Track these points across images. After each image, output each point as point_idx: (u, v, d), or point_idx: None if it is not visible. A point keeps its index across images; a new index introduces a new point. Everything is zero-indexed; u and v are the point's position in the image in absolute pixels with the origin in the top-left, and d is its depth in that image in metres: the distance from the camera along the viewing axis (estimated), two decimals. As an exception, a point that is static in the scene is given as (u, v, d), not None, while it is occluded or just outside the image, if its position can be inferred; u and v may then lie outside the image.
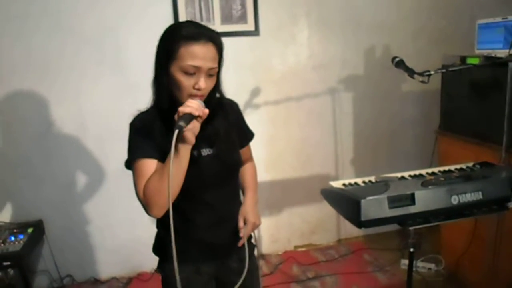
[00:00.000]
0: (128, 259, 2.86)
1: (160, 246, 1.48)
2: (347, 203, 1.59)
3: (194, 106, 1.13)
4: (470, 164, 1.98)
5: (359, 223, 1.54)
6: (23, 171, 2.61)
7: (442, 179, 1.68)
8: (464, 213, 1.65)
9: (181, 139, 1.14)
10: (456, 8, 3.01)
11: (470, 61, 2.20)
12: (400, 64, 1.89)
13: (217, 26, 2.68)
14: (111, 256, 2.83)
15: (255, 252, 1.60)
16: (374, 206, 1.52)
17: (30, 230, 2.42)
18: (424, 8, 2.99)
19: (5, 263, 2.21)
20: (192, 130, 1.14)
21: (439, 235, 2.79)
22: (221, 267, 1.46)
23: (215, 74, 1.27)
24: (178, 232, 1.34)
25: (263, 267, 2.92)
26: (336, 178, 3.02)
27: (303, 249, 3.14)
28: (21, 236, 2.34)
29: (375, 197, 1.53)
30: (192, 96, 1.22)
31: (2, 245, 2.25)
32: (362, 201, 1.52)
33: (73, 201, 2.72)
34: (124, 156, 1.31)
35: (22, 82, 2.53)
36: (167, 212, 1.19)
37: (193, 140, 1.16)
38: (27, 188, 2.63)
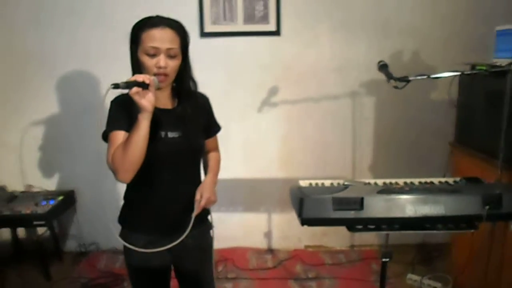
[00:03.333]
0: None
1: (122, 215, 1.65)
2: (296, 201, 1.64)
3: (140, 76, 1.32)
4: (458, 179, 1.90)
5: (301, 220, 1.60)
6: (61, 145, 3.01)
7: (407, 189, 1.66)
8: (425, 226, 1.63)
9: (139, 110, 1.32)
10: (499, 13, 2.80)
11: (479, 69, 2.07)
12: (382, 68, 1.89)
13: (239, 26, 2.83)
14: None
15: (211, 233, 1.74)
16: (318, 206, 1.57)
17: (60, 197, 2.79)
18: (460, 12, 2.84)
19: (35, 222, 2.61)
20: (143, 96, 1.30)
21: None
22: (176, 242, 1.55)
23: (176, 55, 1.44)
24: (139, 203, 1.58)
25: (268, 261, 3.01)
26: (352, 183, 3.00)
27: (313, 249, 3.17)
28: (52, 202, 2.72)
29: (320, 196, 1.58)
30: (156, 75, 1.40)
31: (34, 207, 2.64)
32: (305, 199, 1.58)
33: (102, 176, 3.05)
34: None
35: (64, 69, 2.91)
36: (133, 182, 1.41)
37: (148, 107, 1.31)
38: (64, 161, 3.03)
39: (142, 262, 1.59)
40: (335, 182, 1.91)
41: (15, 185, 2.99)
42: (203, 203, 1.51)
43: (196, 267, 1.69)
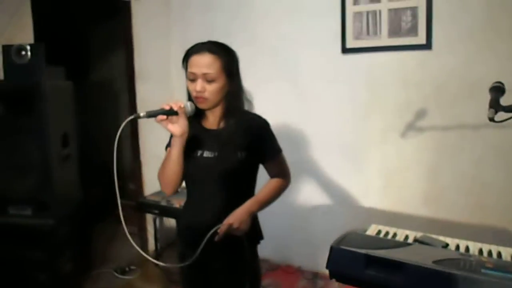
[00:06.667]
0: (280, 249, 3.25)
1: None
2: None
3: (168, 104, 1.45)
4: None
5: (329, 272, 1.45)
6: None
7: (489, 265, 1.26)
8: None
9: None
10: None
11: None
12: (492, 90, 1.48)
13: (384, 40, 2.63)
14: (267, 240, 3.31)
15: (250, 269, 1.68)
16: (348, 260, 1.43)
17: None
18: None
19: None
20: (175, 122, 1.45)
21: None
22: (207, 265, 1.64)
23: (214, 79, 1.53)
24: (183, 215, 1.77)
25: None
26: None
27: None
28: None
29: (351, 249, 1.39)
30: (196, 98, 1.55)
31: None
32: (334, 247, 1.43)
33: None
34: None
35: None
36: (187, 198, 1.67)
37: (176, 132, 1.46)
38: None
39: (181, 269, 1.74)
40: (411, 235, 1.62)
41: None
42: (222, 229, 1.52)
43: None
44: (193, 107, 1.54)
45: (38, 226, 2.30)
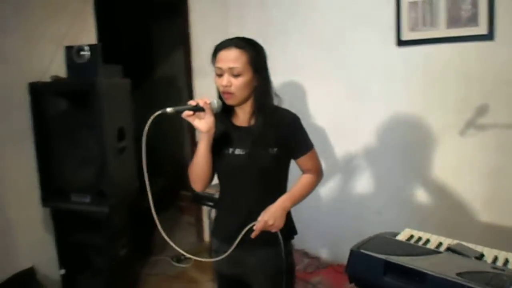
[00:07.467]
0: (332, 247, 3.20)
1: None
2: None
3: (194, 100, 1.48)
4: None
5: (348, 277, 1.41)
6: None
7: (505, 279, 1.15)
8: None
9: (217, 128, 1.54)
10: None
11: None
12: None
13: (441, 31, 2.45)
14: (320, 238, 3.26)
15: (286, 258, 1.65)
16: (367, 265, 1.38)
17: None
18: None
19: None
20: (202, 118, 1.48)
21: None
22: (242, 260, 1.67)
23: (240, 73, 1.54)
24: (218, 210, 1.84)
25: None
26: None
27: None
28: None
29: (371, 253, 1.34)
30: (223, 93, 1.57)
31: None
32: (353, 251, 1.39)
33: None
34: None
35: (278, 79, 3.30)
36: (220, 195, 1.71)
37: (202, 128, 1.49)
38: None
39: (215, 264, 1.79)
40: (445, 242, 1.51)
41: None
42: (258, 226, 1.56)
43: None
44: (220, 103, 1.57)
45: (95, 213, 2.50)
